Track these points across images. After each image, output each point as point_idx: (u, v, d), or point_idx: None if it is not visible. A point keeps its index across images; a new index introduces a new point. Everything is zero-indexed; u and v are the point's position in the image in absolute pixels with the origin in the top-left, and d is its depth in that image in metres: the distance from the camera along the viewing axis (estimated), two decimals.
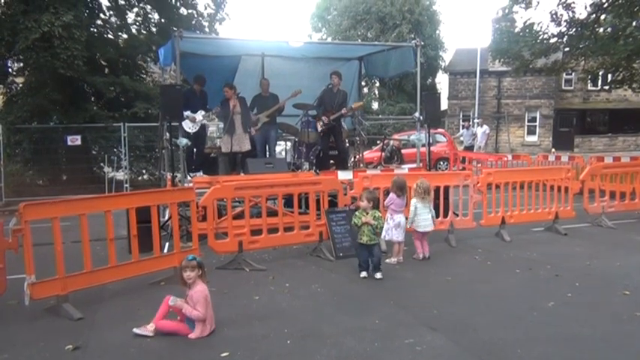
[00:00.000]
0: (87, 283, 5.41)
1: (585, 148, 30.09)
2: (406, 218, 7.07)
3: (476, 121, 23.77)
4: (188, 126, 9.45)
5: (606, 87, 26.29)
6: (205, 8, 19.05)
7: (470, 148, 20.35)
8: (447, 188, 8.19)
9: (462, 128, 22.62)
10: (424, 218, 7.08)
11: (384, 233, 6.77)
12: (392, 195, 7.09)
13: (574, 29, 17.37)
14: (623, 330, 4.59)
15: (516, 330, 4.60)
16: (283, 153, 13.47)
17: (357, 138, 11.73)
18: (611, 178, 9.87)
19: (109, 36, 18.24)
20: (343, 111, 10.35)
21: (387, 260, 6.88)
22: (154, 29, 18.49)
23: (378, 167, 11.57)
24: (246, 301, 5.50)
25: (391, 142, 14.47)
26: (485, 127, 21.88)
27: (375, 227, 6.28)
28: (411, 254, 7.17)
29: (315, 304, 5.43)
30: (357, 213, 6.42)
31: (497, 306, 5.24)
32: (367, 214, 6.28)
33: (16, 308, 5.29)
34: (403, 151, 14.83)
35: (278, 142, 12.16)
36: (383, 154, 13.14)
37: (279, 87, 10.66)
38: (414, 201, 7.10)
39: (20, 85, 16.85)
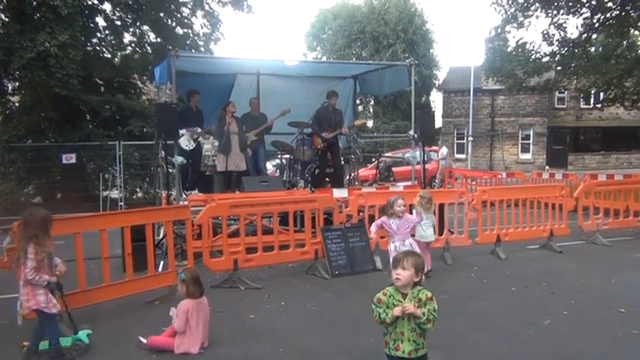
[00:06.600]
0: (81, 302, 5.36)
1: (579, 166, 30.25)
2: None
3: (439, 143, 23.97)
4: (185, 143, 9.46)
5: (599, 105, 26.56)
6: (201, 28, 19.24)
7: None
8: (442, 206, 8.21)
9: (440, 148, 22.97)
10: (427, 229, 7.05)
11: (392, 253, 6.00)
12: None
13: (566, 49, 17.60)
14: (619, 348, 4.58)
15: (513, 348, 4.59)
16: (278, 171, 13.49)
17: (352, 156, 11.76)
18: (605, 195, 9.89)
19: (105, 55, 18.31)
20: (343, 130, 10.37)
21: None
22: (149, 48, 18.58)
23: (374, 185, 11.58)
24: (241, 320, 5.47)
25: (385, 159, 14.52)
26: (444, 148, 22.03)
27: (422, 323, 3.15)
28: None
29: (311, 322, 5.41)
30: (382, 295, 3.25)
31: (494, 324, 5.23)
32: (405, 295, 3.22)
33: (9, 328, 5.21)
34: (396, 169, 14.87)
35: (274, 160, 12.19)
36: (378, 171, 13.18)
37: (274, 105, 10.69)
38: (418, 211, 7.01)
39: (16, 104, 16.85)
